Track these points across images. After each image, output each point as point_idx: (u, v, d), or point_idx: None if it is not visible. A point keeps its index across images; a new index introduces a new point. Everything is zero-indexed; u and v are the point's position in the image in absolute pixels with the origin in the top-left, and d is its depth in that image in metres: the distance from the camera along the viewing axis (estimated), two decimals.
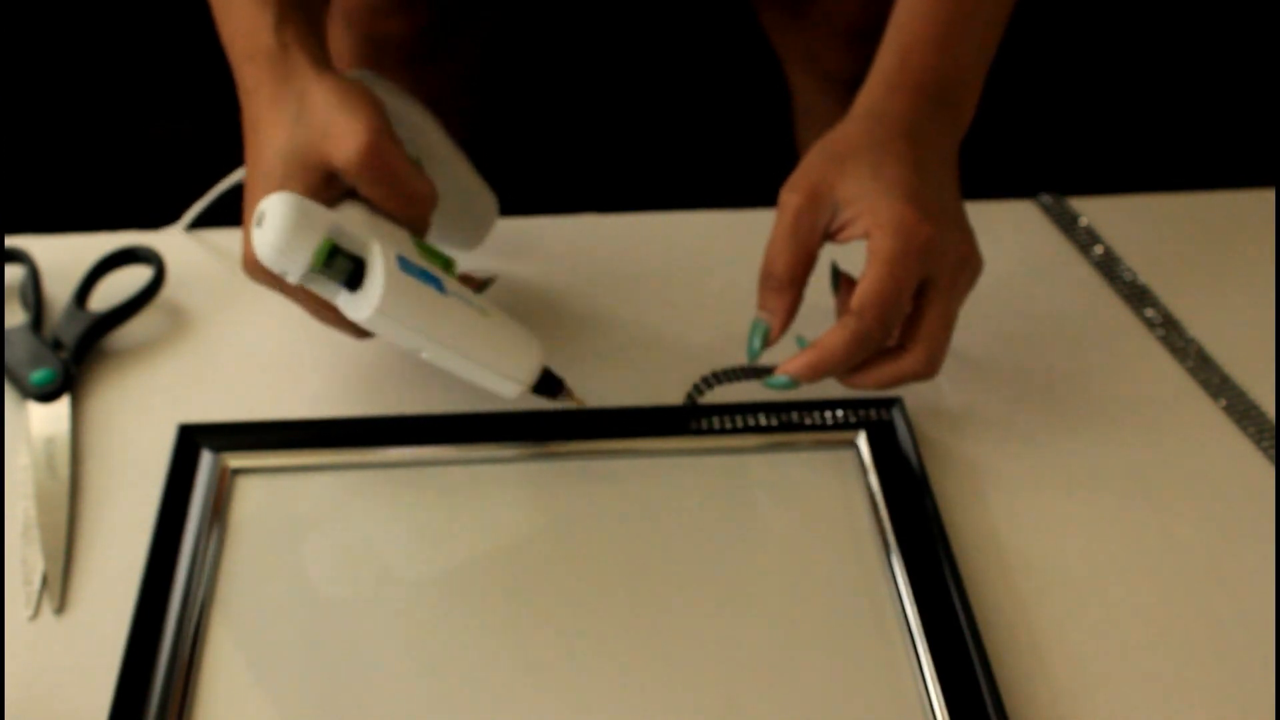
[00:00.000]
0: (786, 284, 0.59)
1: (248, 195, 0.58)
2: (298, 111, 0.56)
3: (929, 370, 0.59)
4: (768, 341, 0.60)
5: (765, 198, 0.65)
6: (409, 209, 0.58)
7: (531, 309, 0.63)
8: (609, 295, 0.72)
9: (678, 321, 0.69)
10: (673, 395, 0.66)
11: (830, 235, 0.60)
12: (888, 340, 0.58)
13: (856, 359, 0.58)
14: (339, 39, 1.02)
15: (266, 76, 0.57)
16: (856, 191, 0.59)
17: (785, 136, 1.17)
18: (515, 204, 0.76)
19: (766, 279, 0.59)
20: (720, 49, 1.67)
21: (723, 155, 1.62)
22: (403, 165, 0.56)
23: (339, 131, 0.55)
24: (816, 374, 0.58)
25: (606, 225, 0.78)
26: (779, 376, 0.59)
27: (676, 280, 0.70)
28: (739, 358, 0.62)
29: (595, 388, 0.65)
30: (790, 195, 0.59)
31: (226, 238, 0.76)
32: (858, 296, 0.57)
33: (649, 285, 0.73)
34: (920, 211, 0.57)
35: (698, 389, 0.62)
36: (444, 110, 0.93)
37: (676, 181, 1.58)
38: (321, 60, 0.59)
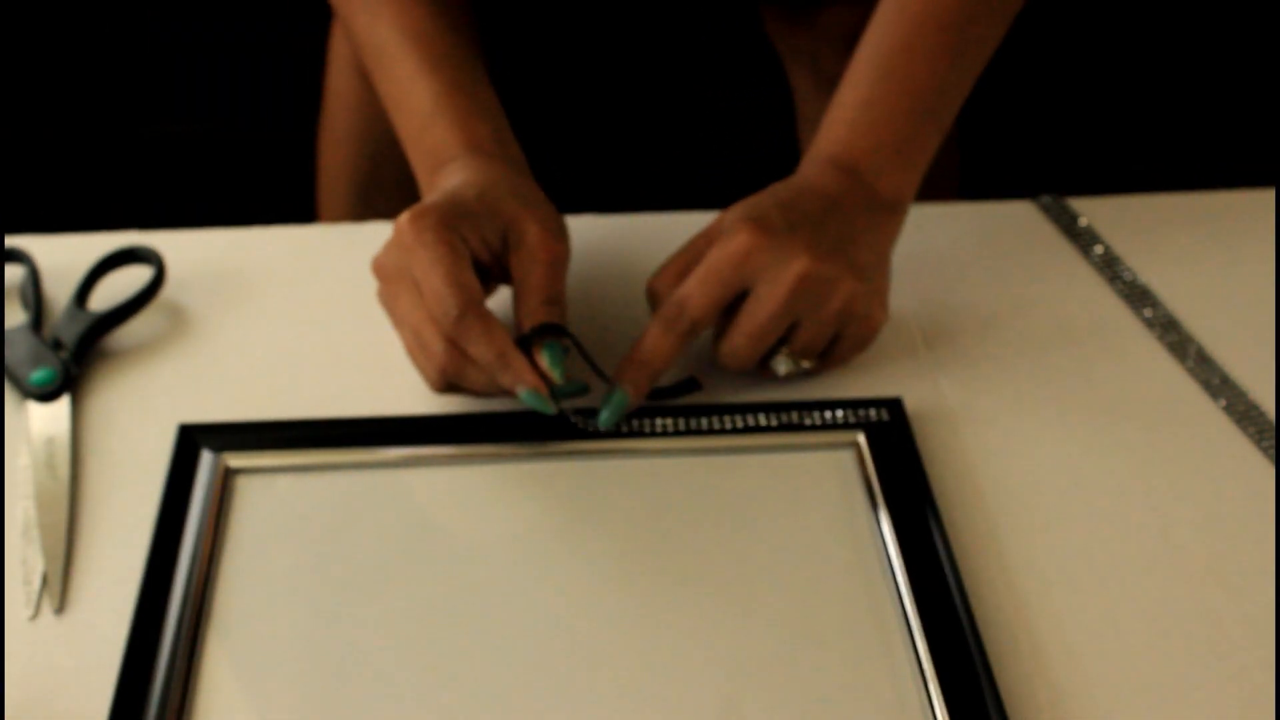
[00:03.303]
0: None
1: None
2: None
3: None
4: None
5: None
6: None
7: None
8: (609, 296, 0.72)
9: None
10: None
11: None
12: (688, 327, 0.62)
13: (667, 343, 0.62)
14: (344, 44, 1.02)
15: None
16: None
17: (787, 139, 1.17)
18: None
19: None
20: (724, 52, 1.67)
21: (726, 157, 1.62)
22: None
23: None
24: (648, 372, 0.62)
25: (607, 225, 0.78)
26: (619, 395, 0.62)
27: None
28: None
29: (597, 387, 0.64)
30: None
31: (226, 238, 0.76)
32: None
33: None
34: (754, 226, 0.60)
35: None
36: None
37: (679, 183, 1.58)
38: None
